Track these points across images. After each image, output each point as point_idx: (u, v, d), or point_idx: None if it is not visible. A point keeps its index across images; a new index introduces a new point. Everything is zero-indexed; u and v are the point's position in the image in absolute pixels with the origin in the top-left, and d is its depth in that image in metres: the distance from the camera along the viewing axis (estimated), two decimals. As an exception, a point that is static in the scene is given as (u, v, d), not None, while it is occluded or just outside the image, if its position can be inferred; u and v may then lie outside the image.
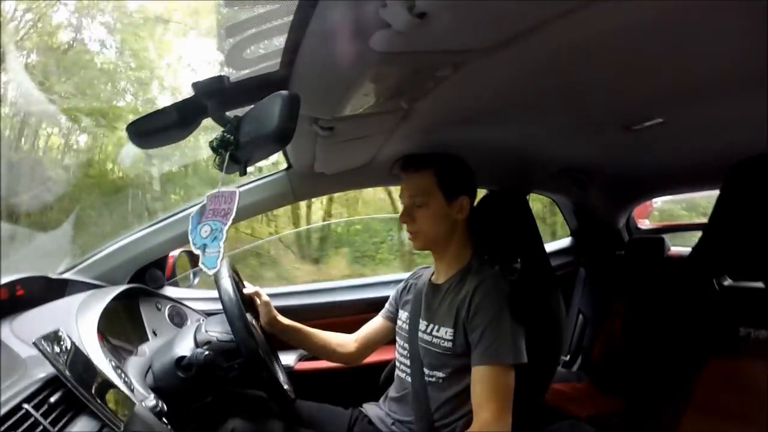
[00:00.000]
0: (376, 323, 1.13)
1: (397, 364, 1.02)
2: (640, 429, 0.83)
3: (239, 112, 0.65)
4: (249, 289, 1.04)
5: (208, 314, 1.18)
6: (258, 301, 1.03)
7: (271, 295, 1.07)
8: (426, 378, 0.92)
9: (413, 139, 1.02)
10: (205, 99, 0.63)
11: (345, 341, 1.11)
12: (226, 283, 0.90)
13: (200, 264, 0.65)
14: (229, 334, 0.87)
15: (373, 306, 1.24)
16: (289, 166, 1.18)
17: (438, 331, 0.92)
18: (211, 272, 0.64)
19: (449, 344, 0.89)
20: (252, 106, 0.61)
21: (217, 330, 0.91)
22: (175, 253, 1.37)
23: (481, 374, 0.83)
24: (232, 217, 0.63)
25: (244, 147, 0.60)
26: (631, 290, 1.53)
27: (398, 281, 1.15)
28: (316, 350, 1.10)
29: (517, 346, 0.83)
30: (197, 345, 0.89)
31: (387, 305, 1.13)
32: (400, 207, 1.01)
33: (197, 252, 0.66)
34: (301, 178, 1.20)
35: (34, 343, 0.62)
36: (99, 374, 0.68)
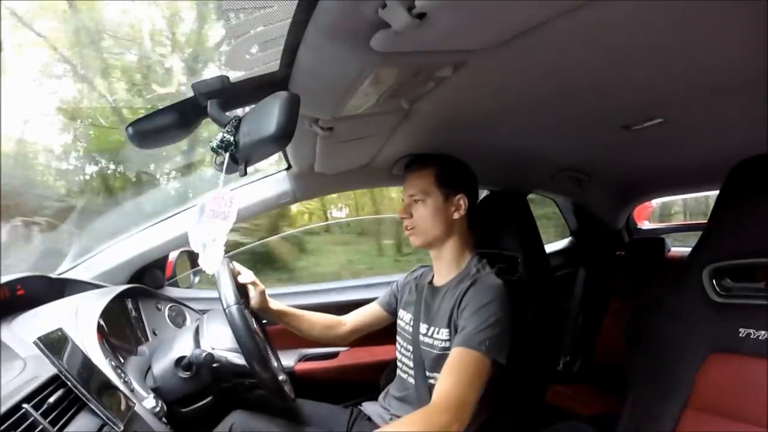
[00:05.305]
0: (370, 309, 1.15)
1: (399, 365, 1.02)
2: (640, 429, 0.82)
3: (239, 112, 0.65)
4: (245, 278, 1.02)
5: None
6: (252, 289, 1.02)
7: (270, 296, 1.07)
8: (428, 380, 0.93)
9: (413, 139, 1.02)
10: (204, 99, 0.63)
11: (334, 323, 1.13)
12: (226, 284, 0.90)
13: (199, 262, 0.65)
14: (240, 358, 0.87)
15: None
16: (289, 166, 1.18)
17: (438, 333, 0.92)
18: (210, 272, 0.64)
19: (446, 344, 0.89)
20: (252, 106, 0.61)
21: (224, 346, 0.92)
22: (175, 253, 1.37)
23: (453, 355, 0.83)
24: (232, 220, 0.63)
25: (244, 147, 0.60)
26: (631, 290, 1.53)
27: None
28: (306, 332, 1.11)
29: (495, 341, 0.82)
30: (198, 345, 0.89)
31: (386, 296, 1.14)
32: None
33: (197, 251, 0.66)
34: (301, 178, 1.20)
35: (35, 343, 0.62)
36: (99, 374, 0.68)
